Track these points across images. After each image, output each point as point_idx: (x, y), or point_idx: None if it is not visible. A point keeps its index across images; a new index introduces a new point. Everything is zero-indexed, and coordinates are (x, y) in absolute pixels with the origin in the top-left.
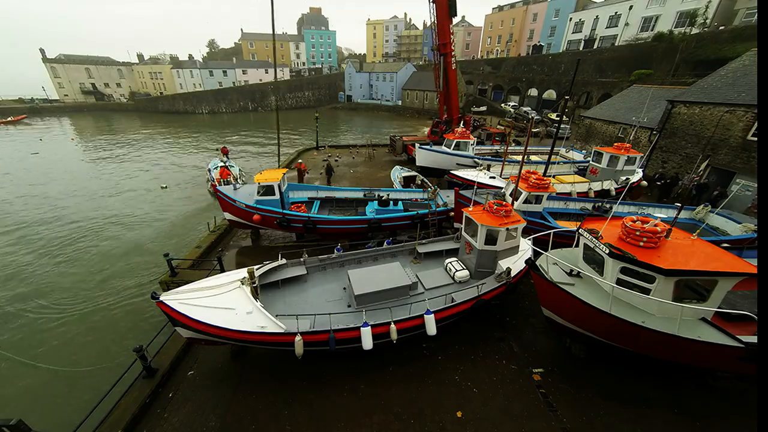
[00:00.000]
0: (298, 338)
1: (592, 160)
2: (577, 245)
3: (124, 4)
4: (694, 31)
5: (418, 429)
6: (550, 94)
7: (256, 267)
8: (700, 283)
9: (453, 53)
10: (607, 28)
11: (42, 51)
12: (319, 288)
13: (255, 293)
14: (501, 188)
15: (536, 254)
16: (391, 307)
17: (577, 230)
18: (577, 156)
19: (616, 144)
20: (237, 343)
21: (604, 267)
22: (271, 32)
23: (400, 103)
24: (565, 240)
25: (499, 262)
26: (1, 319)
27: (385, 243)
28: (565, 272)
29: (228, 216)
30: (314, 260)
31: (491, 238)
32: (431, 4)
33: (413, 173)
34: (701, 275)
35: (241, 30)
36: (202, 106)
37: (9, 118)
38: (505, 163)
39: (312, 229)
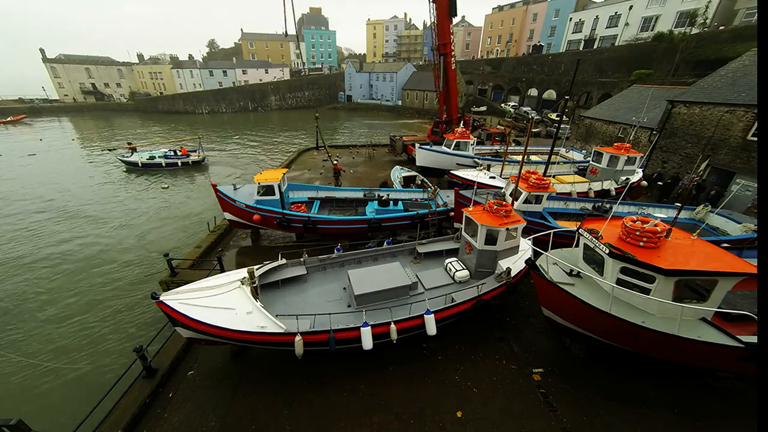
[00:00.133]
0: (298, 338)
1: (592, 160)
2: (577, 245)
3: (124, 4)
4: (694, 31)
5: (418, 429)
6: (550, 94)
7: (256, 267)
8: (700, 283)
9: (453, 53)
10: (607, 28)
11: (42, 51)
12: (319, 288)
13: (255, 293)
14: (501, 188)
15: (536, 254)
16: (391, 307)
17: (577, 230)
18: (577, 156)
19: (616, 144)
20: (237, 343)
21: (604, 267)
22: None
23: (400, 103)
24: (565, 240)
25: (499, 262)
26: (1, 319)
27: (385, 243)
28: (565, 272)
29: (228, 216)
30: (314, 260)
31: (491, 238)
32: (431, 3)
33: (413, 173)
34: (701, 275)
35: (241, 30)
36: (202, 106)
37: (9, 118)
38: (505, 163)
39: (312, 229)
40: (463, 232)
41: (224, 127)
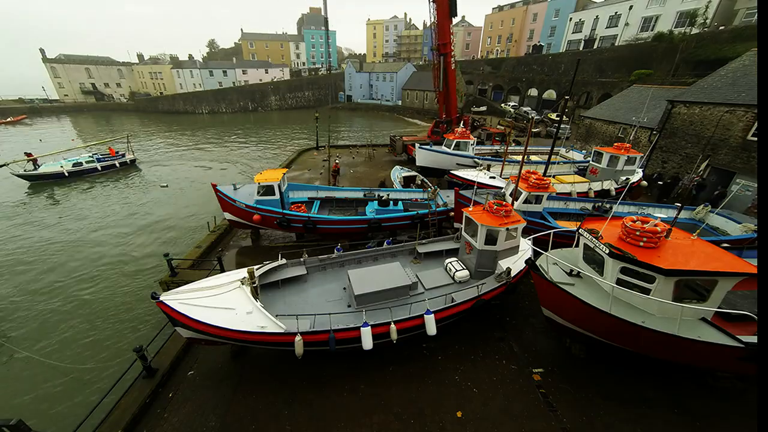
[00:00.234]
0: (298, 338)
1: (592, 160)
2: (577, 245)
3: (124, 4)
4: (694, 31)
5: (418, 429)
6: (550, 94)
7: (256, 267)
8: (700, 283)
9: (453, 53)
10: (607, 28)
11: (42, 51)
12: (319, 288)
13: (255, 293)
14: (501, 188)
15: (536, 254)
16: (391, 307)
17: (577, 230)
18: (577, 156)
19: (616, 144)
20: (237, 343)
21: (604, 267)
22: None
23: (400, 103)
24: (565, 240)
25: (499, 262)
26: (2, 318)
27: (385, 243)
28: (565, 272)
29: (228, 216)
30: (314, 260)
31: (491, 238)
32: (431, 3)
33: (413, 173)
34: (701, 275)
35: (241, 30)
36: (202, 106)
37: (9, 119)
38: (505, 163)
39: (312, 229)
40: (463, 232)
41: (224, 127)
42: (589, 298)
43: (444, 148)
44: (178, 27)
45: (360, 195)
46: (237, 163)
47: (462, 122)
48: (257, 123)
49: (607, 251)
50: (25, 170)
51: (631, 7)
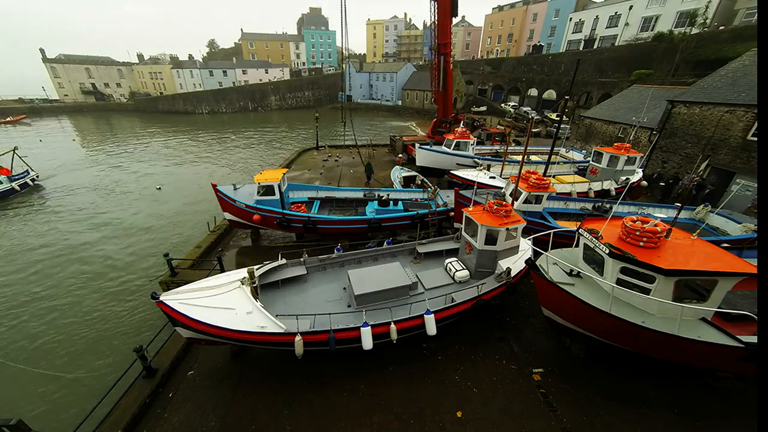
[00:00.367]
0: (298, 338)
1: (592, 160)
2: (577, 245)
3: (124, 4)
4: (694, 31)
5: (418, 429)
6: (550, 94)
7: (256, 267)
8: (700, 283)
9: (452, 53)
10: (607, 28)
11: (42, 51)
12: (319, 288)
13: (255, 293)
14: (501, 188)
15: (536, 254)
16: (391, 307)
17: (577, 230)
18: (577, 156)
19: (616, 144)
20: (237, 343)
21: (604, 267)
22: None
23: (400, 103)
24: (565, 240)
25: (499, 262)
26: (1, 318)
27: (385, 243)
28: (565, 272)
29: (228, 216)
30: (314, 260)
31: (491, 238)
32: (432, 3)
33: (413, 173)
34: (701, 275)
35: (241, 30)
36: (202, 106)
37: (9, 118)
38: (505, 163)
39: (312, 229)
40: (463, 232)
41: (225, 127)
42: (589, 298)
43: (444, 148)
44: (178, 27)
45: (360, 195)
46: (237, 163)
47: (457, 121)
48: (257, 123)
49: (607, 251)
50: None
51: (631, 7)
